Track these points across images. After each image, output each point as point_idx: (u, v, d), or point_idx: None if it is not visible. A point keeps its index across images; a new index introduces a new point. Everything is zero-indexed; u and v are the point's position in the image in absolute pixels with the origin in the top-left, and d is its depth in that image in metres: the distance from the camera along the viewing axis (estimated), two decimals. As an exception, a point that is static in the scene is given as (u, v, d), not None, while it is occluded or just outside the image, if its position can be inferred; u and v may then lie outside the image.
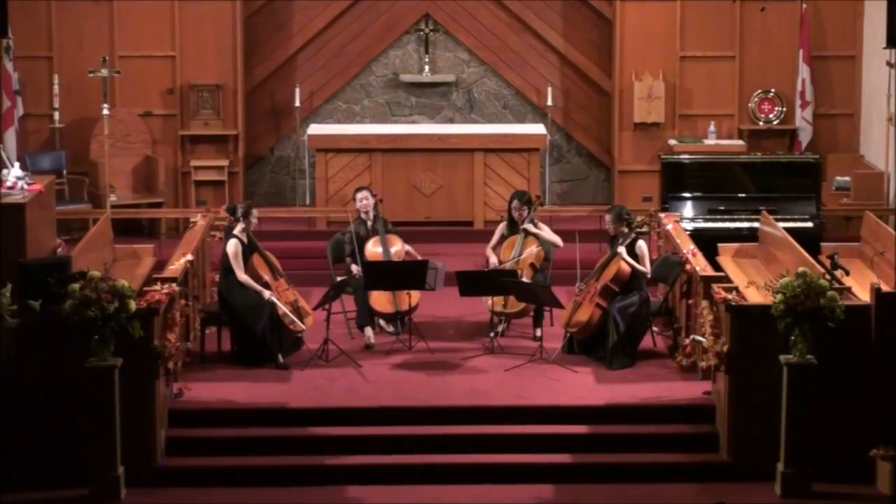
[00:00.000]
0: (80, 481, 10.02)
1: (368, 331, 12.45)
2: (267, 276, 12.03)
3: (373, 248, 12.70)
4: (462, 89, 17.02)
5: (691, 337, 11.42)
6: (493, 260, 12.66)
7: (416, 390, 11.21)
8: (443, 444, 10.54)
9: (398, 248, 12.77)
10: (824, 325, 9.96)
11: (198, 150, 16.29)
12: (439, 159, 15.73)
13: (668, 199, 14.84)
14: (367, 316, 12.50)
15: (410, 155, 15.73)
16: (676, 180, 14.93)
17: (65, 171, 15.79)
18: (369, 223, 12.83)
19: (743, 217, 14.67)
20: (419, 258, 12.68)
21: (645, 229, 12.95)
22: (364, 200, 12.81)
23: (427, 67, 16.86)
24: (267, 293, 11.85)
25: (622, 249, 11.93)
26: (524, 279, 12.26)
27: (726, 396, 10.43)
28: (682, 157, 15.23)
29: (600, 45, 16.76)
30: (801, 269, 10.27)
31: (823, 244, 13.48)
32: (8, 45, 15.06)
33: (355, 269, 12.46)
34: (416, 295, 12.45)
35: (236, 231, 12.02)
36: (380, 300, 12.48)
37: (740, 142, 16.15)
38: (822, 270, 11.07)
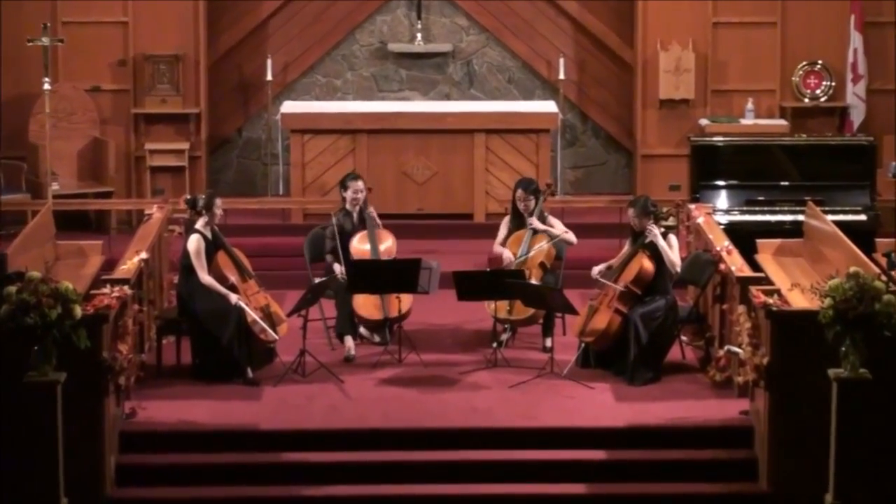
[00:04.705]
0: (17, 515, 10.03)
1: (349, 340, 12.45)
2: (234, 278, 12.03)
3: (359, 245, 12.70)
4: (460, 61, 17.04)
5: (726, 348, 11.43)
6: (508, 255, 12.59)
7: (407, 410, 11.22)
8: (438, 471, 10.54)
9: (389, 244, 12.77)
10: (880, 334, 9.95)
11: (154, 132, 16.31)
12: (434, 142, 15.76)
13: (699, 188, 14.86)
14: (348, 323, 12.50)
15: (400, 137, 15.77)
16: (709, 166, 14.95)
17: (-1, 156, 15.85)
18: (355, 216, 12.83)
19: (785, 209, 14.71)
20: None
21: (672, 223, 12.94)
22: (359, 192, 12.80)
23: (419, 35, 16.88)
24: (234, 297, 11.85)
25: (655, 230, 11.83)
26: (532, 281, 12.26)
27: (766, 416, 10.45)
28: (715, 139, 15.25)
29: (620, 9, 16.77)
30: (852, 269, 10.26)
31: (878, 240, 13.50)
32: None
33: (338, 269, 12.46)
34: (407, 300, 12.45)
35: (198, 225, 12.02)
36: (366, 305, 12.48)
37: (782, 121, 16.19)
38: (878, 271, 11.07)
